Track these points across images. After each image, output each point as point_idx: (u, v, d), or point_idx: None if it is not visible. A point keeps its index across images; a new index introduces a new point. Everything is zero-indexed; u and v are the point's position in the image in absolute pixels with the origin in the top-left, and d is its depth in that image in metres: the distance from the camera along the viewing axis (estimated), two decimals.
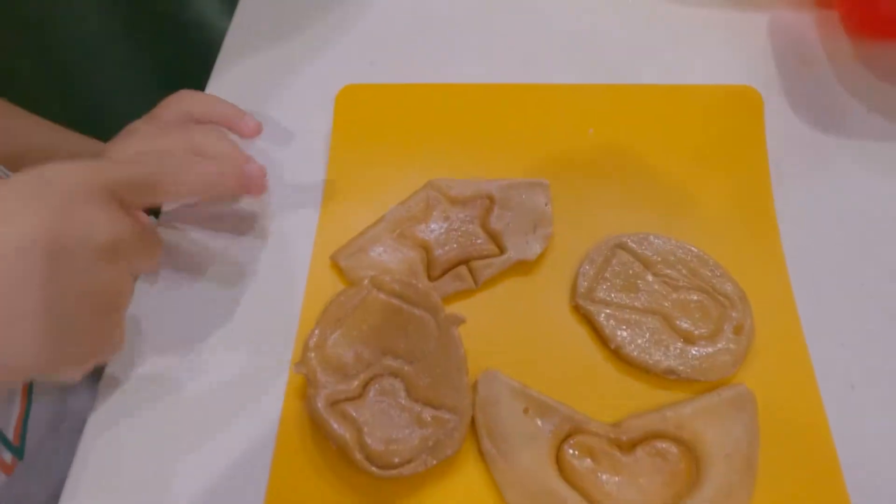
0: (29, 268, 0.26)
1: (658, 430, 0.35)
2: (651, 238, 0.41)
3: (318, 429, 0.35)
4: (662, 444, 0.34)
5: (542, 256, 0.41)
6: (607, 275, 0.40)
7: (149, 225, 0.34)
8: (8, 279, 0.26)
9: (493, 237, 0.42)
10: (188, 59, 0.60)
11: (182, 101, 0.43)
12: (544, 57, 0.50)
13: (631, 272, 0.40)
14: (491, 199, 0.43)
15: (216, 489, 0.34)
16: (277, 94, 0.48)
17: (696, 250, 0.40)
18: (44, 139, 0.50)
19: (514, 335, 0.39)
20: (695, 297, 0.39)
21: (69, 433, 0.40)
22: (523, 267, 0.41)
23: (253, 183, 0.38)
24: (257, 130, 0.42)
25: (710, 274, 0.39)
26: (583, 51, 0.50)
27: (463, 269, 0.40)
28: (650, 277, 0.40)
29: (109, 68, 0.59)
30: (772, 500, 0.33)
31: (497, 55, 0.50)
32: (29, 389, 0.40)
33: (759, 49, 0.50)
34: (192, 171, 0.33)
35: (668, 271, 0.40)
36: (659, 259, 0.40)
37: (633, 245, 0.40)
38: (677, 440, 0.35)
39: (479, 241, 0.41)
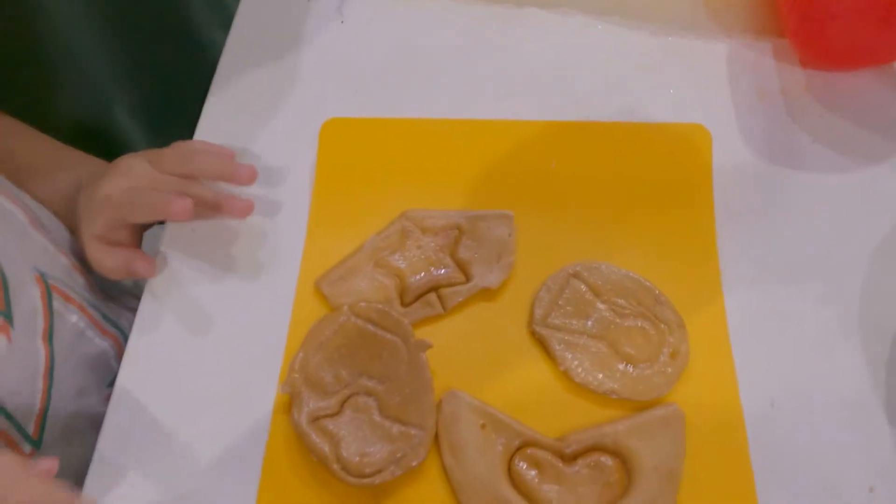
0: None
1: (597, 444, 0.40)
2: (602, 267, 0.45)
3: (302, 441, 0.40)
4: (600, 458, 0.40)
5: (504, 283, 0.45)
6: (561, 302, 0.44)
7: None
8: None
9: (461, 266, 0.46)
10: (184, 74, 0.64)
11: (181, 159, 0.47)
12: (515, 93, 0.53)
13: (583, 300, 0.44)
14: (460, 229, 0.47)
15: (210, 494, 0.39)
16: (266, 125, 0.52)
17: (641, 279, 0.45)
18: (45, 157, 0.53)
19: (477, 357, 0.44)
20: (638, 324, 0.43)
21: (82, 430, 0.45)
22: (487, 294, 0.45)
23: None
24: (253, 178, 0.47)
25: (653, 302, 0.44)
26: (550, 87, 0.54)
27: (432, 296, 0.45)
28: (600, 305, 0.44)
29: (104, 83, 0.62)
30: None
31: (472, 91, 0.54)
32: (48, 389, 0.45)
33: (717, 80, 0.54)
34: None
35: (616, 299, 0.44)
36: (609, 287, 0.45)
37: (586, 274, 0.45)
38: (613, 453, 0.40)
39: (448, 270, 0.46)
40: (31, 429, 0.43)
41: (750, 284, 0.45)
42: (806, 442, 0.41)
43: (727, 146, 0.50)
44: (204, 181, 0.48)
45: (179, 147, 0.48)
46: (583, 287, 0.45)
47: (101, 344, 0.48)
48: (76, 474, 0.41)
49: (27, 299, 0.42)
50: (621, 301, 0.44)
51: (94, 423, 0.42)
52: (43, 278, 0.44)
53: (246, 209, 0.47)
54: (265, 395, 0.42)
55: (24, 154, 0.52)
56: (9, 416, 0.40)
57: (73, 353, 0.46)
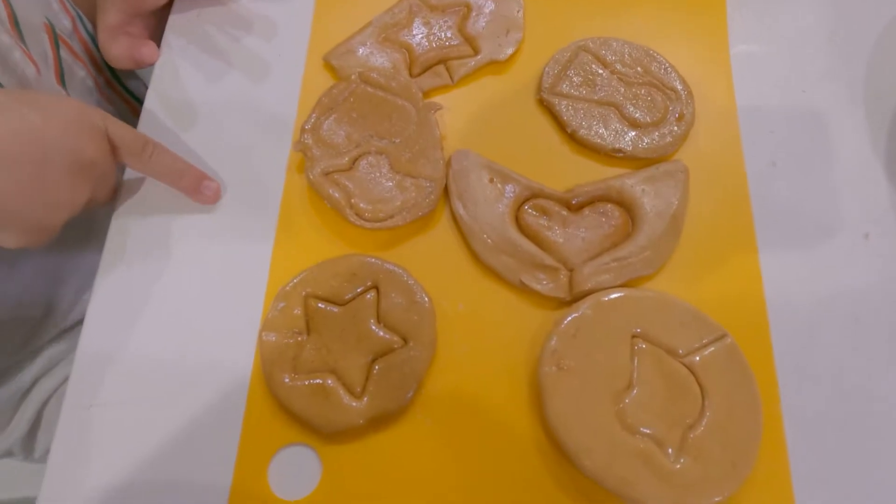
0: (25, 146, 0.33)
1: (603, 195, 0.41)
2: (611, 41, 0.45)
3: (316, 194, 0.41)
4: (606, 206, 0.41)
5: (512, 58, 0.46)
6: (569, 72, 0.45)
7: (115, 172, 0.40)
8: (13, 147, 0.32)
9: (469, 40, 0.46)
10: None
11: None
12: None
13: (591, 70, 0.45)
14: (468, 6, 0.47)
15: (228, 240, 0.41)
16: None
17: (651, 51, 0.45)
18: None
19: (486, 123, 0.44)
20: (644, 91, 0.44)
21: None
22: (495, 67, 0.46)
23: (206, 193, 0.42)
24: None
25: (661, 72, 0.44)
26: None
27: (440, 68, 0.45)
28: (607, 74, 0.45)
29: None
30: (692, 249, 0.40)
31: None
32: None
33: None
34: (168, 159, 0.40)
35: (624, 69, 0.45)
36: (616, 59, 0.45)
37: (595, 47, 0.45)
38: (618, 202, 0.41)
39: (456, 43, 0.46)
40: None
41: (757, 53, 0.46)
42: (805, 195, 0.42)
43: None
44: None
45: None
46: (591, 59, 0.45)
47: (108, 108, 0.48)
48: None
49: (38, 42, 0.42)
50: (629, 71, 0.44)
51: None
52: (52, 27, 0.44)
53: None
54: (278, 155, 0.43)
55: None
56: None
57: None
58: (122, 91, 0.53)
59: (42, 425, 0.52)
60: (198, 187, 0.41)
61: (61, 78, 0.45)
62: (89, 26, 0.51)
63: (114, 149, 0.38)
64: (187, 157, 0.42)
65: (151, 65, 0.46)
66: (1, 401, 0.51)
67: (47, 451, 0.49)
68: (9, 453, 0.54)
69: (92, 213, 0.40)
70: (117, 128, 0.38)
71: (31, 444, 0.53)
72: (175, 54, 0.47)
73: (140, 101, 0.52)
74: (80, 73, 0.48)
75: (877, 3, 0.47)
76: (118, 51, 0.46)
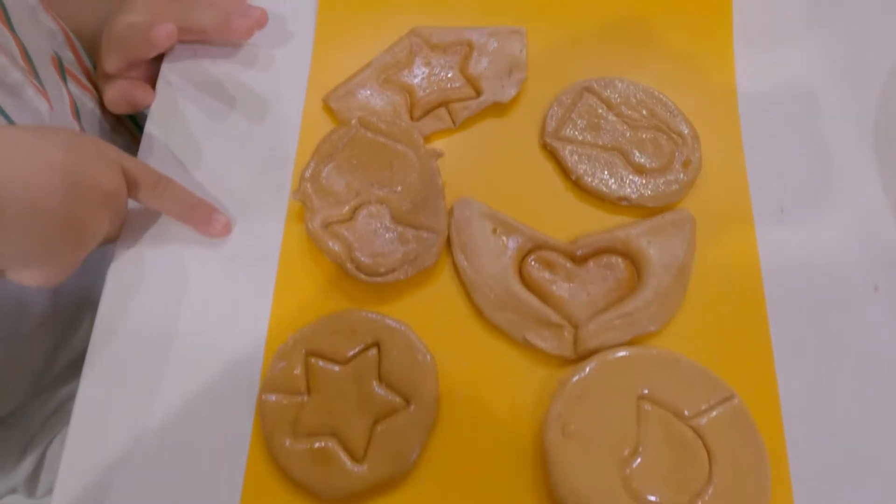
0: (55, 182, 0.32)
1: (608, 246, 0.40)
2: (616, 82, 0.44)
3: (315, 246, 0.40)
4: (611, 258, 0.40)
5: (515, 99, 0.45)
6: (573, 115, 0.44)
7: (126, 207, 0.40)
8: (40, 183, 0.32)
9: (471, 82, 0.45)
10: None
11: None
12: None
13: (595, 113, 0.44)
14: (470, 45, 0.46)
15: (227, 300, 0.40)
16: None
17: (656, 93, 0.44)
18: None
19: (488, 168, 0.43)
20: (650, 135, 0.43)
21: None
22: (498, 109, 0.45)
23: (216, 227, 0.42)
24: (263, 21, 0.46)
25: (667, 114, 0.43)
26: None
27: (442, 111, 0.44)
28: (612, 118, 0.44)
29: None
30: (700, 303, 0.39)
31: None
32: None
33: None
34: (179, 193, 0.40)
35: (629, 112, 0.44)
36: (621, 101, 0.44)
37: (599, 88, 0.44)
38: (624, 254, 0.40)
39: (457, 85, 0.45)
40: None
41: (765, 94, 0.45)
42: (813, 244, 0.41)
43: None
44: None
45: None
46: (596, 101, 0.44)
47: (116, 139, 0.48)
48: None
49: (49, 76, 0.41)
50: (634, 114, 0.44)
51: None
52: (59, 60, 0.43)
53: (246, 29, 0.45)
54: (277, 204, 0.42)
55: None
56: None
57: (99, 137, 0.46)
58: (128, 122, 0.52)
59: (45, 465, 0.52)
60: (208, 220, 0.41)
61: (76, 111, 0.44)
62: (88, 60, 0.50)
63: (128, 183, 0.38)
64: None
65: (147, 107, 0.46)
66: (10, 444, 0.51)
67: (50, 490, 0.49)
68: (12, 490, 0.54)
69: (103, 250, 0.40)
70: (132, 164, 0.38)
71: (34, 484, 0.53)
72: (171, 93, 0.46)
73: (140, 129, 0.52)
74: (90, 104, 0.47)
75: (888, 39, 0.46)
76: (113, 95, 0.46)
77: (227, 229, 0.41)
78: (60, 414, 0.52)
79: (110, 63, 0.45)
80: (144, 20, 0.44)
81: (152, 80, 0.46)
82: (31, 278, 0.34)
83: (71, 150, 0.34)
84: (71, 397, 0.51)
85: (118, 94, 0.45)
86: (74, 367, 0.51)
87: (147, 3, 0.44)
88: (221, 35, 0.45)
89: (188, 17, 0.44)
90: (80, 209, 0.34)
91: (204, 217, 0.41)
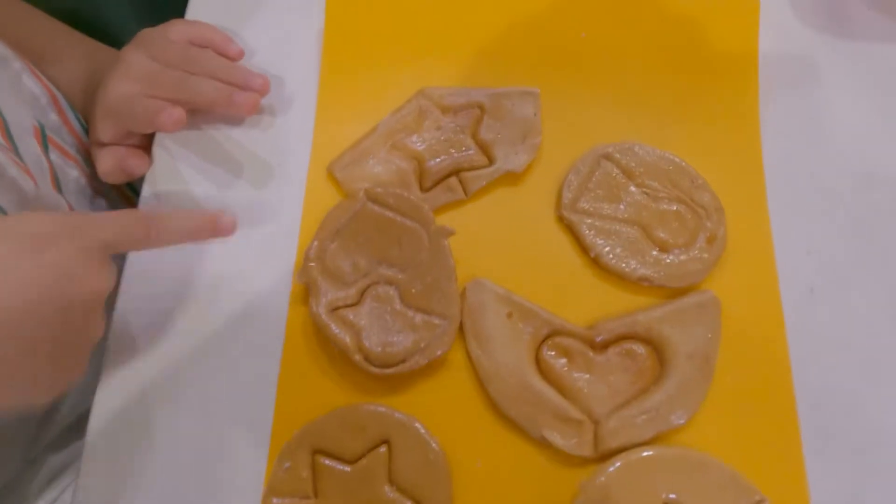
0: (39, 321, 0.29)
1: (628, 332, 0.38)
2: (635, 148, 0.42)
3: (321, 332, 0.38)
4: (632, 345, 0.38)
5: (529, 166, 0.42)
6: (591, 185, 0.41)
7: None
8: (19, 331, 0.28)
9: (483, 148, 0.43)
10: None
11: (183, 59, 0.43)
12: None
13: (614, 183, 0.42)
14: (482, 108, 0.44)
15: (229, 390, 0.38)
16: None
17: (678, 160, 0.42)
18: (61, 44, 0.50)
19: (502, 244, 0.41)
20: (673, 208, 0.41)
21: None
22: (511, 177, 0.42)
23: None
24: (241, 55, 0.44)
25: (689, 184, 0.41)
26: None
27: (454, 181, 0.42)
28: (632, 188, 0.41)
29: None
30: (726, 395, 0.37)
31: None
32: None
33: None
34: (174, 223, 0.36)
35: (650, 182, 0.41)
36: (642, 170, 0.42)
37: (618, 156, 0.42)
38: (646, 341, 0.38)
39: (469, 152, 0.43)
40: None
41: (793, 165, 0.42)
42: (845, 328, 0.39)
43: (775, 12, 0.46)
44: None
45: (181, 47, 0.44)
46: (614, 169, 0.42)
47: (100, 202, 0.46)
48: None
49: (30, 149, 0.40)
50: (655, 184, 0.41)
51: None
52: (41, 130, 0.41)
53: (251, 104, 0.42)
54: (280, 285, 0.40)
55: (40, 40, 0.49)
56: None
57: (84, 208, 0.45)
58: (118, 186, 0.50)
59: None
60: (214, 232, 0.38)
61: (56, 183, 0.42)
62: (78, 118, 0.48)
63: (116, 248, 0.35)
64: (179, 282, 0.39)
65: (141, 176, 0.43)
66: None
67: None
68: None
69: None
70: (112, 228, 0.34)
71: None
72: (168, 161, 0.44)
73: (135, 191, 0.50)
74: (73, 173, 0.45)
75: None
76: (107, 164, 0.43)
77: (233, 228, 0.39)
78: (57, 482, 0.50)
79: (105, 132, 0.43)
80: (140, 89, 0.41)
81: (147, 145, 0.44)
82: (39, 397, 0.32)
83: (45, 259, 0.30)
84: (66, 465, 0.50)
85: (113, 163, 0.43)
86: (67, 434, 0.50)
87: (141, 69, 0.42)
88: (224, 109, 0.43)
89: (187, 87, 0.41)
90: (72, 331, 0.31)
91: (209, 233, 0.38)
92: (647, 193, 0.41)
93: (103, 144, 0.43)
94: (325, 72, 0.45)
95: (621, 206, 0.41)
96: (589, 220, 0.41)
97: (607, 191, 0.41)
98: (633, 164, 0.42)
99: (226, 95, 0.41)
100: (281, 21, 0.47)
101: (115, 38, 0.50)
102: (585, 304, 0.40)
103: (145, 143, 0.44)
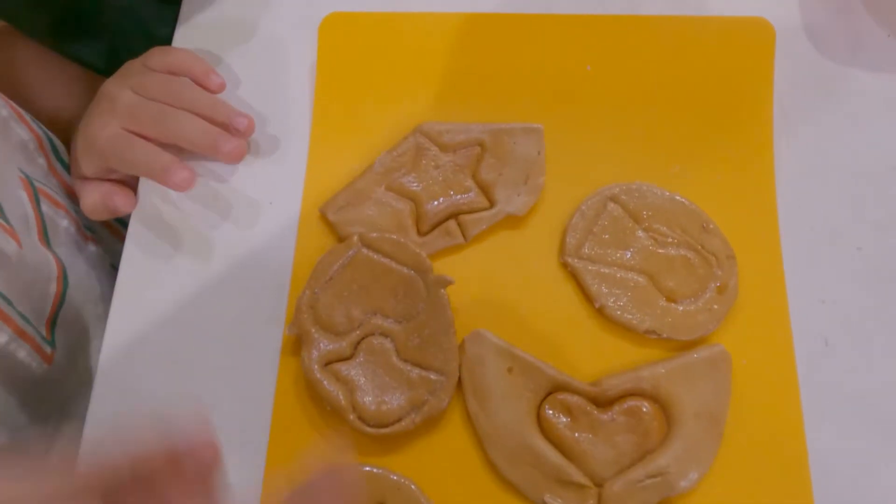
0: None
1: (634, 389, 0.37)
2: (643, 189, 0.40)
3: (313, 388, 0.37)
4: (637, 403, 0.36)
5: (532, 209, 0.41)
6: (596, 229, 0.40)
7: None
8: None
9: (484, 188, 0.41)
10: None
11: (166, 91, 0.41)
12: None
13: (621, 227, 0.40)
14: (482, 145, 0.42)
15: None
16: (257, 23, 0.45)
17: (688, 203, 0.40)
18: (45, 71, 0.49)
19: (502, 292, 0.39)
20: (683, 254, 0.39)
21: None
22: (513, 221, 0.41)
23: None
24: (222, 87, 0.42)
25: (699, 230, 0.39)
26: None
27: (452, 224, 0.40)
28: (640, 233, 0.40)
29: None
30: (735, 456, 0.36)
31: None
32: (63, 293, 0.42)
33: None
34: None
35: (658, 226, 0.40)
36: (650, 213, 0.40)
37: (625, 198, 0.40)
38: (652, 398, 0.37)
39: (469, 194, 0.41)
40: (43, 332, 0.40)
41: (807, 210, 0.40)
42: (861, 384, 0.37)
43: (791, 44, 0.44)
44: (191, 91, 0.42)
45: (162, 79, 0.42)
46: (621, 212, 0.40)
47: (92, 248, 0.44)
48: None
49: (18, 204, 0.38)
50: (664, 228, 0.39)
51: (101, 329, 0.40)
52: (30, 182, 0.40)
53: (238, 154, 0.41)
54: (271, 336, 0.39)
55: (31, 69, 0.48)
56: (27, 320, 0.38)
57: (75, 258, 0.43)
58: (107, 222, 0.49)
59: None
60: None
61: (45, 236, 0.41)
62: (64, 155, 0.46)
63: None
64: (164, 334, 0.38)
65: (127, 213, 0.42)
66: None
67: None
68: None
69: None
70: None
71: None
72: (154, 200, 0.42)
73: (124, 225, 0.48)
74: (63, 223, 0.44)
75: None
76: (91, 200, 0.42)
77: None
78: None
79: (89, 168, 0.41)
80: (120, 125, 0.40)
81: (132, 179, 0.42)
82: None
83: None
84: None
85: (97, 200, 0.42)
86: None
87: (124, 106, 0.40)
88: (208, 155, 0.41)
89: (170, 127, 0.40)
90: None
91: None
92: (655, 239, 0.39)
93: (87, 178, 0.42)
94: (319, 106, 0.43)
95: (628, 253, 0.39)
96: (594, 267, 0.39)
97: (613, 235, 0.40)
98: (641, 207, 0.40)
99: (210, 142, 0.40)
100: (272, 51, 0.45)
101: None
102: (589, 357, 0.38)
103: (130, 179, 0.42)
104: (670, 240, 0.39)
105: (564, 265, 0.40)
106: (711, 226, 0.39)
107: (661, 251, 0.39)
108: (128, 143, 0.39)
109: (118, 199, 0.41)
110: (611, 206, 0.40)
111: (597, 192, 0.40)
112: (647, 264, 0.39)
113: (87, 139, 0.41)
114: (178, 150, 0.41)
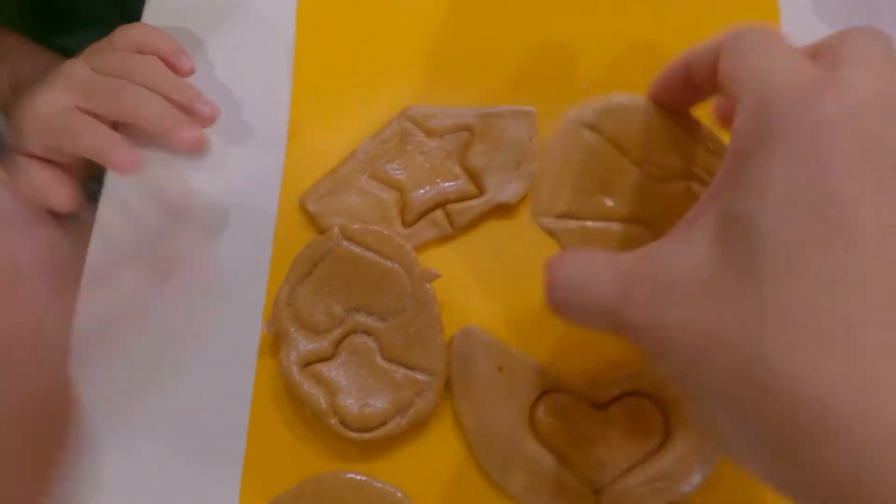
0: None
1: (633, 388, 0.35)
2: (626, 105, 0.31)
3: (293, 390, 0.34)
4: (636, 401, 0.34)
5: (524, 196, 0.38)
6: (571, 171, 0.31)
7: None
8: None
9: (473, 176, 0.39)
10: None
11: (120, 35, 0.39)
12: None
13: (604, 164, 0.31)
14: (471, 130, 0.39)
15: (193, 455, 0.34)
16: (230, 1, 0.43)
17: (689, 121, 0.30)
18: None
19: (493, 285, 0.37)
20: (683, 189, 0.30)
21: None
22: (504, 210, 0.38)
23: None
24: (191, 71, 0.39)
25: (706, 159, 0.31)
26: None
27: (439, 214, 0.38)
28: (628, 166, 0.31)
29: None
30: None
31: None
32: None
33: None
34: None
35: (652, 156, 0.31)
36: (638, 139, 0.31)
37: (605, 121, 0.30)
38: (650, 396, 0.35)
39: (457, 182, 0.38)
40: None
41: None
42: None
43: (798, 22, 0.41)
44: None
45: (122, 54, 0.39)
46: (602, 144, 0.32)
47: (39, 231, 0.42)
48: None
49: None
50: (660, 157, 0.31)
51: None
52: None
53: (197, 143, 0.38)
54: (248, 334, 0.36)
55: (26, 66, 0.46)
56: None
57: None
58: None
59: None
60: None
61: None
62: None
63: None
64: (133, 333, 0.36)
65: (64, 213, 0.39)
66: None
67: None
68: None
69: None
70: None
71: None
72: (118, 188, 0.39)
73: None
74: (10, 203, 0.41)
75: None
76: (29, 183, 0.38)
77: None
78: None
79: (34, 144, 0.38)
80: (72, 99, 0.37)
81: (79, 165, 0.40)
82: None
83: None
84: None
85: (36, 185, 0.38)
86: None
87: (78, 80, 0.37)
88: (165, 138, 0.38)
89: (126, 102, 0.37)
90: None
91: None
92: (648, 173, 0.31)
93: (32, 155, 0.39)
94: (298, 88, 0.41)
95: (614, 197, 0.31)
96: (575, 225, 0.31)
97: (596, 176, 0.31)
98: (627, 135, 0.31)
99: (170, 124, 0.37)
100: (248, 30, 0.42)
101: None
102: (586, 355, 0.36)
103: (78, 164, 0.39)
104: (669, 172, 0.31)
105: (542, 228, 0.34)
106: (718, 143, 0.31)
107: (656, 187, 0.31)
108: (74, 120, 0.37)
109: (57, 194, 0.38)
110: (587, 134, 0.31)
111: (566, 120, 0.31)
112: (642, 210, 0.31)
113: (35, 112, 0.38)
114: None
